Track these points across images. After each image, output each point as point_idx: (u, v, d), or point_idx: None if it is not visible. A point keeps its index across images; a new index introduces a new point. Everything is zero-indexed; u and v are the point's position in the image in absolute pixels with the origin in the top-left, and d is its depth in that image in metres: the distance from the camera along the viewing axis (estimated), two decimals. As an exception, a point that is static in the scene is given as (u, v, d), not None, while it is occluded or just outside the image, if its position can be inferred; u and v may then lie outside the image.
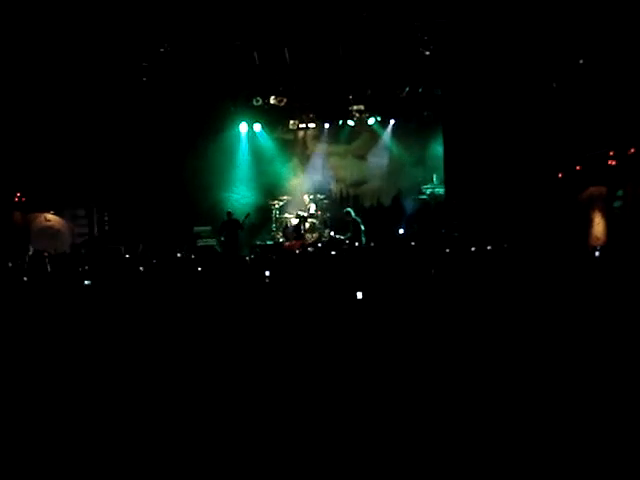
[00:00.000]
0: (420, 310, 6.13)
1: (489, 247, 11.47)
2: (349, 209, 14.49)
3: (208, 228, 15.56)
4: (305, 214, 15.55)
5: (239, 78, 14.79)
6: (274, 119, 16.51)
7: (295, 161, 17.12)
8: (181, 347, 4.91)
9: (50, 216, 15.14)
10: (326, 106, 16.00)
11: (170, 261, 12.27)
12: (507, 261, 10.19)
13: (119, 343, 5.01)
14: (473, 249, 10.98)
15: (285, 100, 15.85)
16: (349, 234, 14.19)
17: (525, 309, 5.88)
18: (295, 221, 15.54)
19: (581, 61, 12.38)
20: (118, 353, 4.72)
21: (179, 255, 13.23)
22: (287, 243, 14.82)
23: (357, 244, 13.68)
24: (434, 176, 15.93)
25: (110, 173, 14.70)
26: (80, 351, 4.80)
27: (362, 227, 13.98)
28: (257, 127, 16.56)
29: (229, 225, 14.72)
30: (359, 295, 6.39)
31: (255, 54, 13.85)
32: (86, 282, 7.09)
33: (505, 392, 3.72)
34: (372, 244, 13.85)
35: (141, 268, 9.84)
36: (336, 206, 16.23)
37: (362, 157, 17.08)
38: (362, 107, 16.11)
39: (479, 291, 7.19)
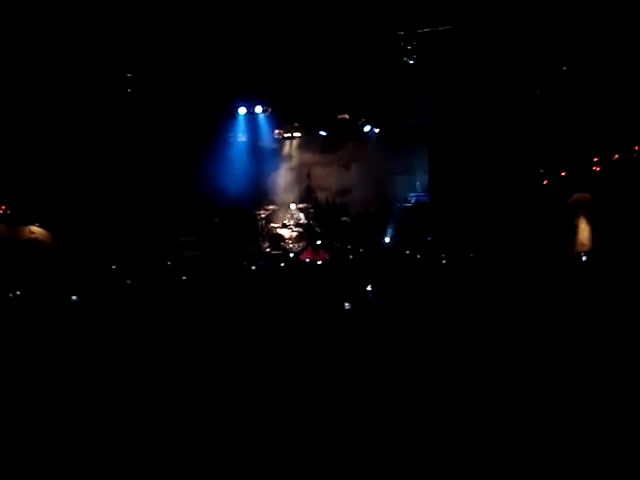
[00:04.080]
0: (414, 316, 6.14)
1: (471, 255, 11.54)
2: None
3: (194, 239, 15.43)
4: (291, 223, 15.54)
5: (225, 87, 14.74)
6: (259, 129, 16.48)
7: (281, 170, 17.08)
8: (175, 354, 4.88)
9: (35, 228, 14.91)
10: (311, 115, 16.01)
11: (157, 272, 12.19)
12: (493, 268, 10.24)
13: (109, 357, 4.95)
14: (456, 256, 11.04)
15: (270, 109, 15.85)
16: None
17: (513, 315, 5.90)
18: (282, 231, 15.50)
19: (565, 68, 12.49)
20: (109, 368, 4.67)
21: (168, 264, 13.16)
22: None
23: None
24: (418, 184, 15.99)
25: (95, 184, 14.52)
26: (70, 367, 4.74)
27: None
28: (242, 137, 16.52)
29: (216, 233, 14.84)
30: (347, 305, 6.38)
31: (241, 63, 13.81)
32: (73, 297, 7.01)
33: (498, 398, 3.71)
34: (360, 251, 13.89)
35: (128, 281, 9.77)
36: (322, 215, 16.22)
37: (347, 166, 17.06)
38: (347, 116, 16.14)
39: (468, 297, 7.21)
